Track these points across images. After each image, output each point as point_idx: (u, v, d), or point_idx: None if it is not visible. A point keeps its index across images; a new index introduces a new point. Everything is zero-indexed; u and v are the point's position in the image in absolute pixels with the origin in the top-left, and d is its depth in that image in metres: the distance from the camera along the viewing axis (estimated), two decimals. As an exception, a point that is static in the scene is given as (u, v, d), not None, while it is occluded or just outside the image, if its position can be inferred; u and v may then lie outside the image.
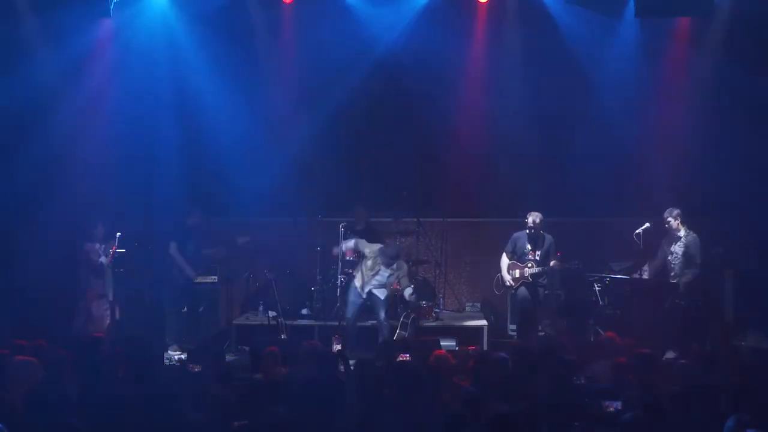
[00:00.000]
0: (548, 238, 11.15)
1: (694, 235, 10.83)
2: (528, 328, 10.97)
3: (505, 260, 11.28)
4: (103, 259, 11.60)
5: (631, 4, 12.34)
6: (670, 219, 10.84)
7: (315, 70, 12.91)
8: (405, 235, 12.87)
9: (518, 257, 11.18)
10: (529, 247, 11.14)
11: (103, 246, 11.63)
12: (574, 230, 12.59)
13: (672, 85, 12.77)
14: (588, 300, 11.34)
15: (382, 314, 11.11)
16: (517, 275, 11.14)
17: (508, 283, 11.28)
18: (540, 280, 11.17)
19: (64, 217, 12.10)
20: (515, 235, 11.31)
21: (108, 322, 11.44)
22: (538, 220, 11.07)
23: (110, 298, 11.62)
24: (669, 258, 10.91)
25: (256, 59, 13.00)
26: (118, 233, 11.39)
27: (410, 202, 12.47)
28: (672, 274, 10.87)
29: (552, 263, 11.03)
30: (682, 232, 10.82)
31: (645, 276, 11.00)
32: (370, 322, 11.42)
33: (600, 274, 11.37)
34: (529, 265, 11.08)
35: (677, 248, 10.82)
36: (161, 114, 12.78)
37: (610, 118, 12.81)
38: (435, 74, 12.96)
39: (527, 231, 11.15)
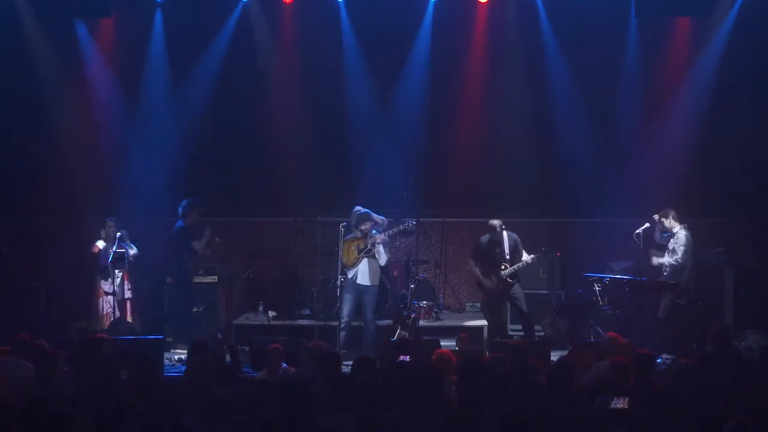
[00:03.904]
0: (512, 235, 11.10)
1: (685, 231, 10.80)
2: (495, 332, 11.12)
3: (476, 270, 11.25)
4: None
5: (632, 4, 12.35)
6: (663, 220, 10.81)
7: (314, 68, 12.94)
8: (405, 235, 12.87)
9: (489, 263, 11.14)
10: (497, 250, 11.09)
11: (112, 246, 11.60)
12: (574, 230, 12.61)
13: (672, 85, 12.78)
14: (587, 300, 11.31)
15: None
16: (495, 280, 11.09)
17: (486, 285, 11.20)
18: (518, 278, 11.13)
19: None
20: (479, 241, 11.30)
21: (110, 321, 11.39)
22: (497, 223, 11.05)
23: (118, 297, 11.55)
24: (663, 261, 10.86)
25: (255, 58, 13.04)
26: (118, 233, 11.37)
27: (410, 202, 12.47)
28: (665, 273, 10.85)
29: (524, 258, 10.99)
30: (676, 229, 10.82)
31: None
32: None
33: (600, 274, 11.35)
34: (503, 267, 11.02)
35: (671, 244, 10.81)
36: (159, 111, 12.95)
37: (610, 118, 12.83)
38: (435, 73, 12.98)
39: (489, 236, 11.11)
